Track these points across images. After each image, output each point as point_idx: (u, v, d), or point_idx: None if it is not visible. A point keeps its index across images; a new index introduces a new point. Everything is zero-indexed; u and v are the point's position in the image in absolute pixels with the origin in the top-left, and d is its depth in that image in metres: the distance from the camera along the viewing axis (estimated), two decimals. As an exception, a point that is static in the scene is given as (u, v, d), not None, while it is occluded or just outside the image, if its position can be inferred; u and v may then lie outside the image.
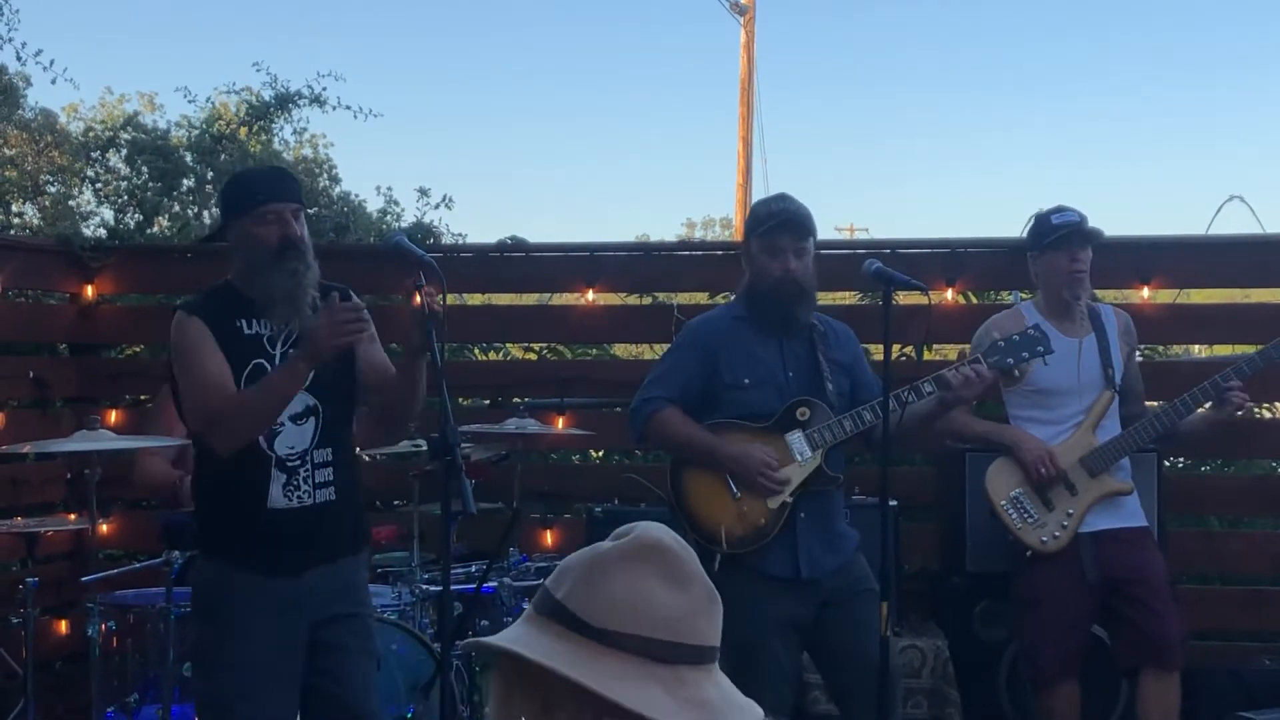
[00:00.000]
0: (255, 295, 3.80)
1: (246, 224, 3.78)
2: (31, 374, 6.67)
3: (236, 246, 3.84)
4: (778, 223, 4.39)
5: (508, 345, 7.47)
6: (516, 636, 1.66)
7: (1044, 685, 4.97)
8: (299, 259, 3.76)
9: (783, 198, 4.52)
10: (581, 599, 1.63)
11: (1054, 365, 4.78)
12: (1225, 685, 5.51)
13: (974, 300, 6.74)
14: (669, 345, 4.92)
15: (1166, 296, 6.65)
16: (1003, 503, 4.95)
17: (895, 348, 4.29)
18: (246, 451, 3.74)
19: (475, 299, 8.15)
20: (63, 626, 6.53)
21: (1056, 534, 4.88)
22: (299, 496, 3.81)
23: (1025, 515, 4.92)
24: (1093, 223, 4.99)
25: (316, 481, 3.84)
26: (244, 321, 3.80)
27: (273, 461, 3.79)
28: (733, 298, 4.75)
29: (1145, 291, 6.33)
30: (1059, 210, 5.03)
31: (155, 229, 8.75)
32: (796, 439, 4.35)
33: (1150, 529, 5.09)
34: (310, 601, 3.80)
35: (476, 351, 7.32)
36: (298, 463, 3.82)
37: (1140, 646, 4.90)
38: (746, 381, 4.38)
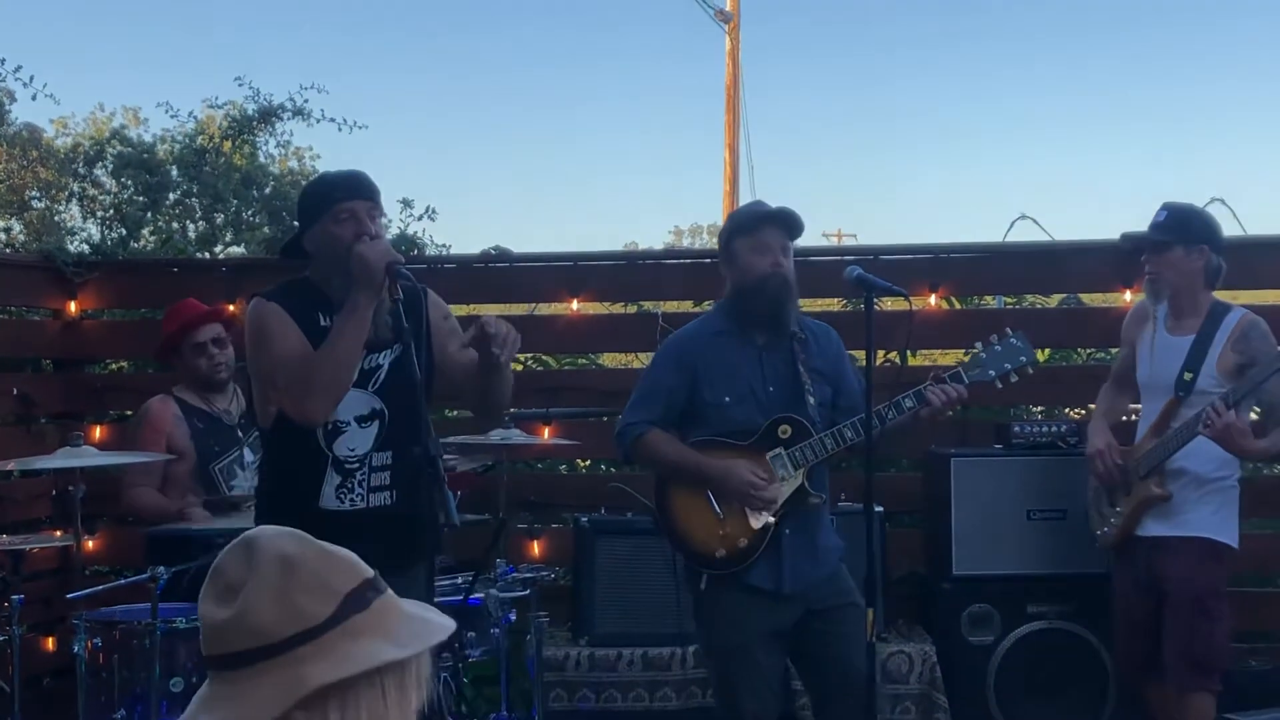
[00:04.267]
0: (334, 293, 3.80)
1: (324, 224, 3.80)
2: (15, 390, 6.65)
3: (316, 250, 3.86)
4: (766, 215, 4.40)
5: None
6: None
7: (1128, 680, 5.17)
8: None
9: (760, 203, 4.57)
10: None
11: (1141, 361, 4.93)
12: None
13: (957, 305, 6.74)
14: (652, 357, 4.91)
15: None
16: (1090, 496, 5.12)
17: (879, 354, 4.29)
18: (304, 451, 3.75)
19: (460, 310, 8.12)
20: (49, 643, 6.49)
21: (1105, 529, 5.02)
22: (351, 499, 3.80)
23: (1099, 510, 5.07)
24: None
25: (372, 485, 3.83)
26: (323, 315, 3.81)
27: (329, 461, 3.78)
28: (711, 309, 4.75)
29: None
30: None
31: (140, 244, 8.72)
32: (778, 458, 4.33)
33: (1207, 540, 4.78)
34: None
35: (462, 362, 7.29)
36: (356, 465, 3.81)
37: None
38: (727, 399, 4.36)
